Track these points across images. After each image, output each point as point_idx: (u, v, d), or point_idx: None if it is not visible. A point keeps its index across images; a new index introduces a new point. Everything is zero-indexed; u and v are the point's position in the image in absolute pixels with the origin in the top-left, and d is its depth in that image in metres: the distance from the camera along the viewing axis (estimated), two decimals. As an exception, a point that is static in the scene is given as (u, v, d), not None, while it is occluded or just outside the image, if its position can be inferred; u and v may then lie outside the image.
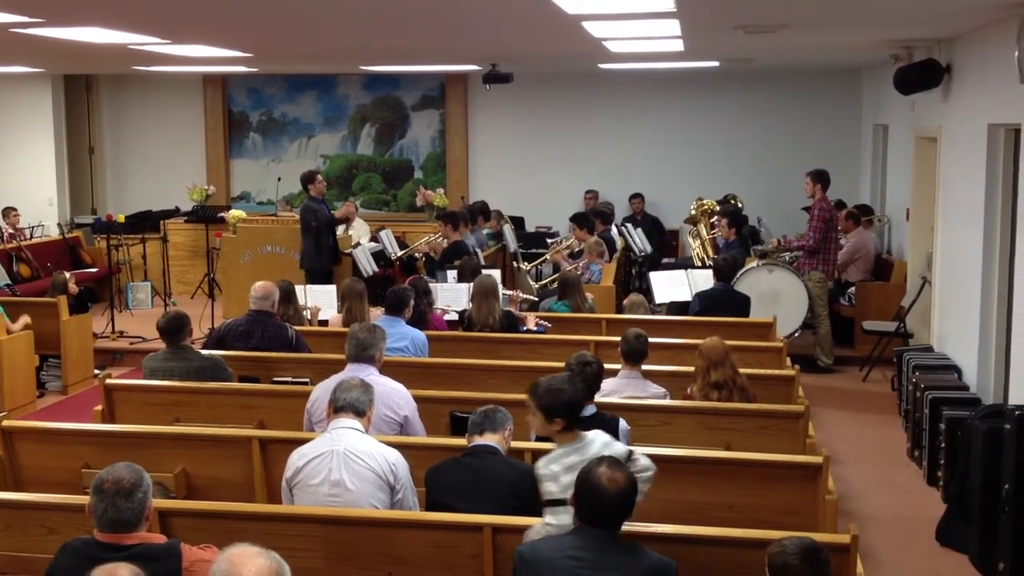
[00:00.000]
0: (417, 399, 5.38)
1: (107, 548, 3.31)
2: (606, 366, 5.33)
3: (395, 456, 4.35)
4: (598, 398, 5.17)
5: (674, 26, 7.47)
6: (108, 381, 6.15)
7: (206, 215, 12.64)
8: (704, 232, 11.79)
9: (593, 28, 7.61)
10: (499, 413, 4.44)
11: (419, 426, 5.32)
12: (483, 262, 10.05)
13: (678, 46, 9.01)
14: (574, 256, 10.66)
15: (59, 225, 13.73)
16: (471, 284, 7.96)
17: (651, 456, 4.80)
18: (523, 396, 5.69)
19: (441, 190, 13.70)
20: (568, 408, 4.03)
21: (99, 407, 6.08)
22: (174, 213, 14.03)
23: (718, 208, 11.83)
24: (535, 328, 7.57)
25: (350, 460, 4.27)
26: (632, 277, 11.88)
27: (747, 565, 3.81)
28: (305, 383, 6.24)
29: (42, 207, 14.14)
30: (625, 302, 8.49)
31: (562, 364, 5.15)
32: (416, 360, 6.65)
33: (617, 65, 12.12)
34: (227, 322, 7.19)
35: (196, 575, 3.33)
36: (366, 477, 4.26)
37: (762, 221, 12.12)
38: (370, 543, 4.08)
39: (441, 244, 10.49)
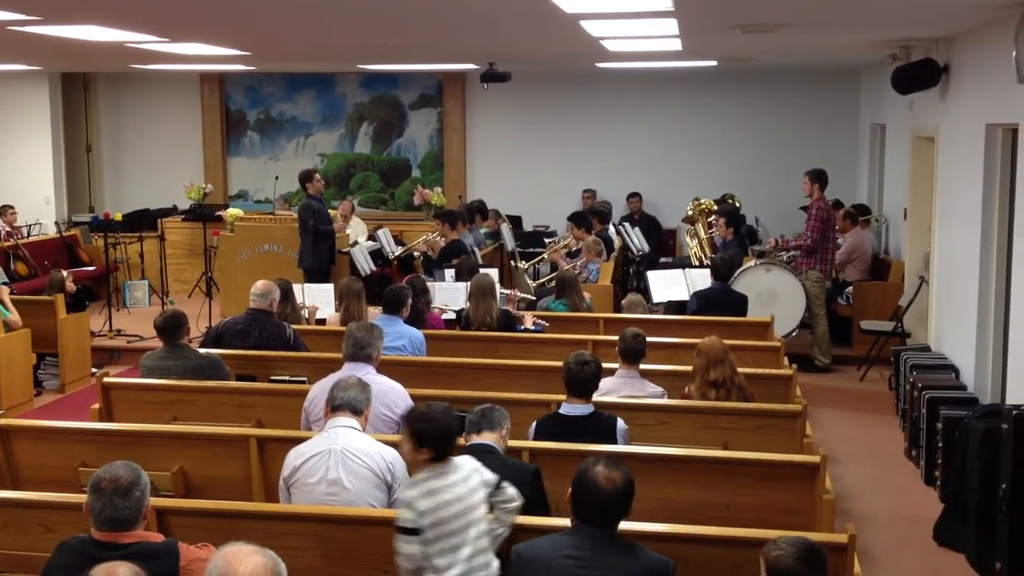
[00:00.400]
0: (415, 398, 5.36)
1: (104, 547, 3.31)
2: (604, 365, 5.33)
3: (392, 455, 4.35)
4: (596, 397, 5.17)
5: (672, 25, 7.47)
6: (105, 380, 6.14)
7: (204, 214, 12.63)
8: (702, 231, 11.79)
9: (591, 27, 7.61)
10: (496, 412, 4.44)
11: (417, 425, 5.31)
12: (481, 261, 10.06)
13: (676, 45, 9.01)
14: (572, 255, 10.66)
15: (56, 223, 13.72)
16: (469, 283, 7.96)
17: (649, 455, 4.85)
18: (523, 395, 5.75)
19: (439, 189, 13.71)
20: (438, 439, 3.86)
21: (96, 406, 6.08)
22: (172, 211, 14.03)
23: (716, 207, 11.83)
24: (533, 327, 7.57)
25: (347, 459, 4.27)
26: (630, 276, 11.88)
27: (744, 564, 3.81)
28: (303, 382, 6.24)
29: (39, 205, 14.12)
30: (624, 302, 8.49)
31: (560, 363, 5.14)
32: (414, 359, 6.65)
33: (615, 64, 12.11)
34: (225, 320, 7.18)
35: (194, 574, 3.33)
36: (363, 476, 4.26)
37: (760, 220, 12.12)
38: (367, 542, 4.08)
39: (439, 243, 10.49)
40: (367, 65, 12.68)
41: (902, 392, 8.11)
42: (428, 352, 6.87)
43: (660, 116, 14.28)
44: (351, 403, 4.44)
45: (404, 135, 14.97)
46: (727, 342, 5.78)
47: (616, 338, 5.88)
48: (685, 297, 9.08)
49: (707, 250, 11.42)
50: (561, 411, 5.04)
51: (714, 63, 11.68)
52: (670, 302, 9.52)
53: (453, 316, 8.12)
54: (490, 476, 3.93)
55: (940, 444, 6.65)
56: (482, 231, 11.83)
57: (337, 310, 7.72)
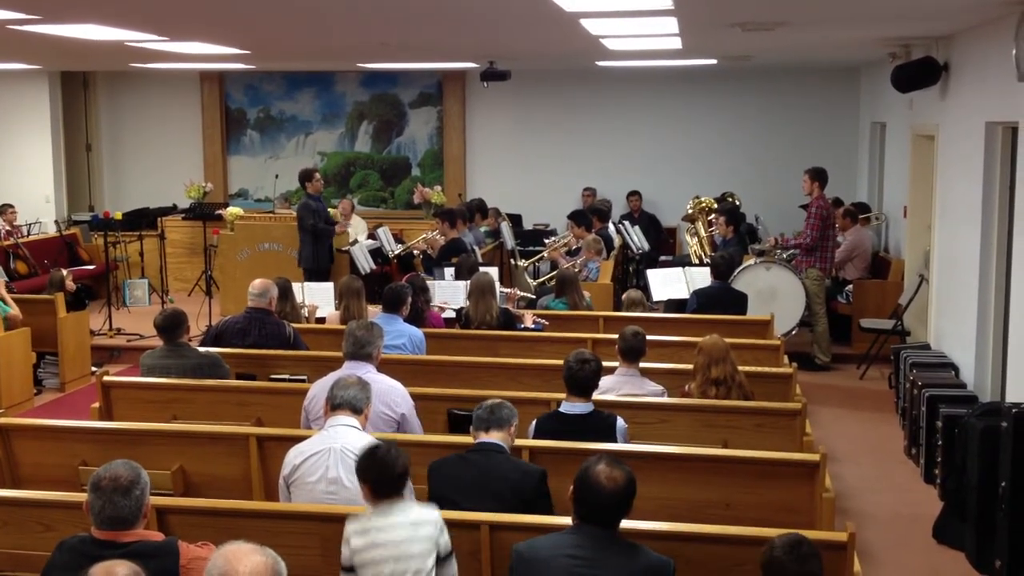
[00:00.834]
0: (414, 397, 5.38)
1: (104, 545, 3.31)
2: (604, 364, 5.33)
3: (392, 454, 4.35)
4: (596, 396, 5.17)
5: (672, 24, 7.47)
6: (105, 378, 6.14)
7: (203, 212, 12.63)
8: (702, 230, 11.79)
9: (591, 26, 7.61)
10: (505, 409, 4.40)
11: (416, 424, 5.31)
12: (480, 259, 10.05)
13: (676, 44, 9.01)
14: (571, 254, 10.66)
15: (56, 222, 13.72)
16: (468, 281, 7.96)
17: (649, 453, 4.85)
18: (523, 394, 5.75)
19: (438, 187, 13.71)
20: (376, 477, 3.73)
21: (96, 404, 6.08)
22: (171, 210, 14.02)
23: (716, 206, 11.83)
24: (532, 326, 7.57)
25: (347, 457, 4.26)
26: (629, 275, 11.88)
27: (744, 563, 3.81)
28: (302, 380, 6.24)
29: (39, 204, 14.11)
30: (624, 297, 8.48)
31: (560, 362, 5.14)
32: (413, 358, 6.65)
33: (615, 63, 12.11)
34: (225, 319, 7.18)
35: (193, 572, 3.33)
36: (363, 475, 4.25)
37: (760, 219, 12.12)
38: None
39: (438, 241, 10.49)
40: (367, 64, 12.68)
41: (902, 390, 8.11)
42: (428, 351, 6.87)
43: (660, 114, 14.27)
44: (351, 402, 4.44)
45: (404, 133, 14.97)
46: (727, 341, 5.79)
47: (616, 336, 5.88)
48: (685, 295, 9.08)
49: (707, 248, 11.42)
50: (561, 410, 5.03)
51: (714, 61, 11.68)
52: (670, 300, 9.52)
53: (453, 315, 8.12)
54: (445, 543, 3.75)
55: (940, 442, 6.65)
56: (482, 229, 11.82)
57: (337, 308, 7.72)
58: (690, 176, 13.79)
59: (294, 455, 4.38)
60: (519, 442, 4.76)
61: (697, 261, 11.05)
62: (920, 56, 8.76)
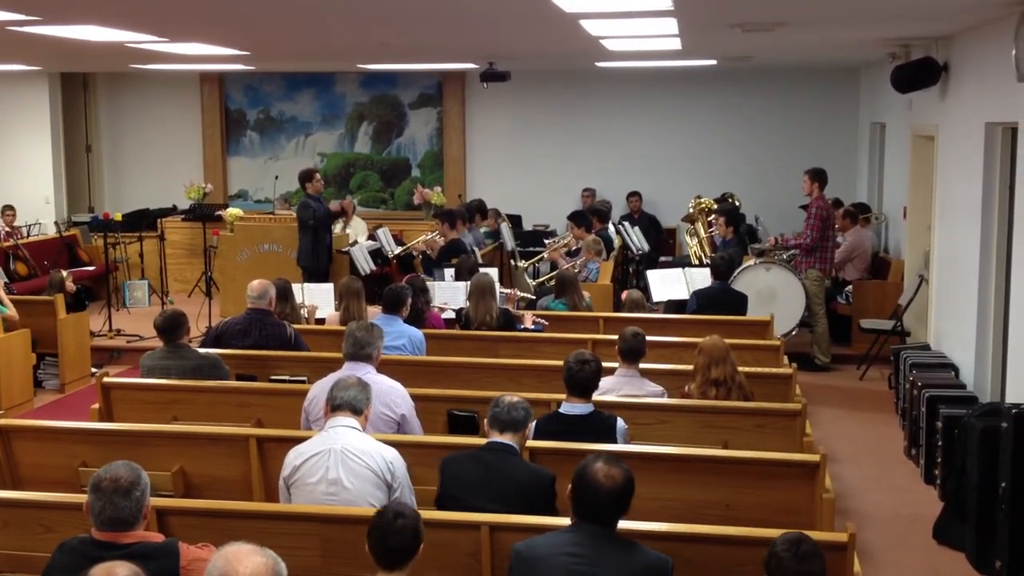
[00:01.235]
0: (414, 397, 5.38)
1: (105, 547, 3.31)
2: (604, 364, 5.33)
3: (392, 454, 4.35)
4: (596, 396, 5.17)
5: (672, 24, 7.47)
6: (105, 379, 6.14)
7: (203, 213, 12.62)
8: (702, 230, 11.80)
9: (591, 26, 7.61)
10: (521, 412, 4.41)
11: (416, 424, 5.32)
12: (480, 260, 10.05)
13: (676, 44, 9.02)
14: (571, 254, 10.66)
15: (56, 223, 13.72)
16: (468, 282, 7.96)
17: (649, 454, 4.85)
18: (523, 394, 5.71)
19: (438, 188, 13.71)
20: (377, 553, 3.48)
21: (96, 405, 6.08)
22: (171, 211, 14.01)
23: (716, 206, 11.83)
24: (532, 326, 7.57)
25: (347, 458, 4.26)
26: (629, 275, 11.88)
27: (744, 563, 3.81)
28: (302, 381, 6.24)
29: (39, 205, 14.12)
30: (625, 298, 8.48)
31: (560, 362, 5.14)
32: (413, 358, 6.65)
33: (615, 63, 12.12)
34: (225, 320, 7.18)
35: (194, 574, 3.33)
36: (363, 476, 4.26)
37: (759, 219, 12.12)
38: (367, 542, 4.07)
39: (438, 242, 10.49)
40: (367, 65, 12.68)
41: (902, 391, 8.11)
42: (428, 351, 6.87)
43: (660, 115, 14.27)
44: (351, 403, 4.44)
45: (404, 134, 14.97)
46: (727, 341, 5.79)
47: (616, 337, 5.88)
48: (685, 296, 9.09)
49: (707, 249, 11.43)
50: (561, 410, 5.04)
51: (714, 62, 11.69)
52: (670, 301, 9.53)
53: (453, 315, 8.12)
54: None
55: (940, 443, 6.65)
56: (482, 230, 11.83)
57: (337, 309, 7.72)
58: (690, 177, 13.79)
59: (294, 456, 4.38)
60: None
61: (697, 262, 11.06)
62: (920, 56, 8.76)
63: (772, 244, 10.29)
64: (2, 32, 7.55)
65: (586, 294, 8.48)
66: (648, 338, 5.87)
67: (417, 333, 6.86)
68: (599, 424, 4.96)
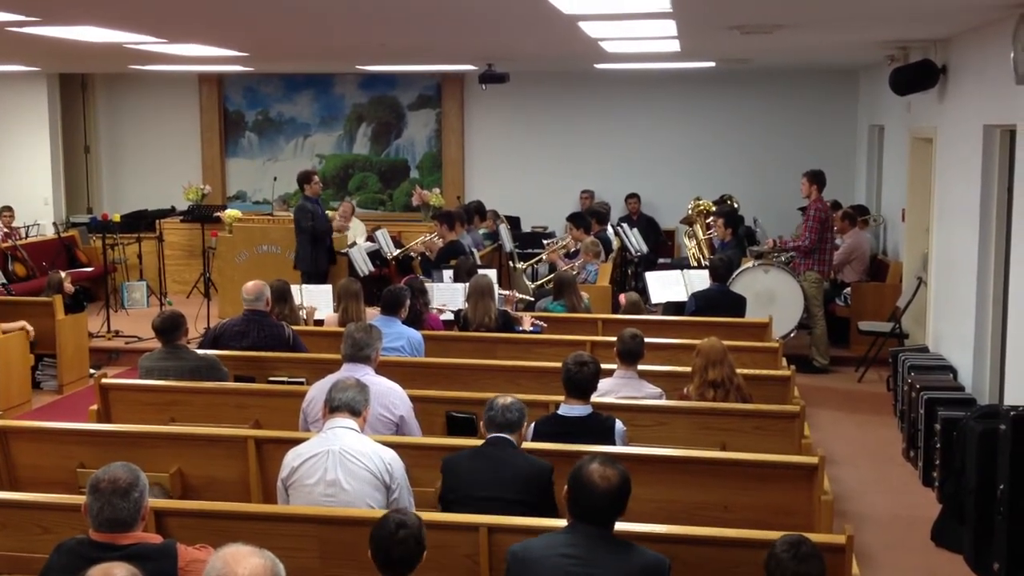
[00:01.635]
0: (413, 399, 5.38)
1: (103, 548, 3.30)
2: (602, 366, 5.33)
3: (391, 456, 4.35)
4: (594, 398, 5.17)
5: (670, 26, 7.48)
6: (104, 380, 6.15)
7: (202, 214, 12.62)
8: (700, 232, 11.80)
9: (589, 28, 7.62)
10: (515, 413, 4.44)
11: (415, 426, 5.31)
12: (479, 262, 10.05)
13: (674, 46, 9.02)
14: (570, 256, 10.66)
15: (55, 224, 13.71)
16: (467, 284, 7.96)
17: (647, 456, 4.85)
18: (521, 396, 5.72)
19: (437, 190, 13.71)
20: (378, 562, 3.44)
21: (94, 407, 6.07)
22: (170, 212, 13.99)
23: (714, 208, 11.84)
24: (531, 328, 7.57)
25: (346, 460, 4.26)
26: (628, 277, 11.88)
27: (741, 565, 3.81)
28: (301, 383, 6.23)
29: (38, 206, 14.12)
30: (623, 298, 8.48)
31: (558, 364, 5.14)
32: (412, 360, 6.65)
33: (613, 65, 12.12)
34: (223, 322, 7.18)
35: (192, 575, 3.33)
36: (362, 477, 4.25)
37: (758, 221, 12.12)
38: (365, 543, 4.05)
39: (437, 244, 10.49)
40: (366, 66, 12.68)
41: (900, 393, 8.11)
42: (426, 353, 6.87)
43: (658, 117, 14.27)
44: (349, 404, 4.44)
45: (402, 136, 14.97)
46: (725, 343, 5.79)
47: (614, 339, 5.88)
48: (683, 298, 9.09)
49: (705, 251, 11.43)
50: (559, 412, 5.04)
51: (712, 64, 11.69)
52: (668, 303, 9.53)
53: (451, 317, 8.12)
54: None
55: (938, 445, 6.65)
56: (480, 232, 11.83)
57: (335, 311, 7.72)
58: (688, 179, 13.79)
59: (292, 457, 4.38)
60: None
61: (695, 264, 11.07)
62: (918, 59, 8.77)
63: (771, 246, 10.29)
64: (1, 33, 7.55)
65: (585, 296, 8.48)
66: (647, 340, 5.87)
67: (416, 334, 6.86)
68: (598, 426, 4.96)
